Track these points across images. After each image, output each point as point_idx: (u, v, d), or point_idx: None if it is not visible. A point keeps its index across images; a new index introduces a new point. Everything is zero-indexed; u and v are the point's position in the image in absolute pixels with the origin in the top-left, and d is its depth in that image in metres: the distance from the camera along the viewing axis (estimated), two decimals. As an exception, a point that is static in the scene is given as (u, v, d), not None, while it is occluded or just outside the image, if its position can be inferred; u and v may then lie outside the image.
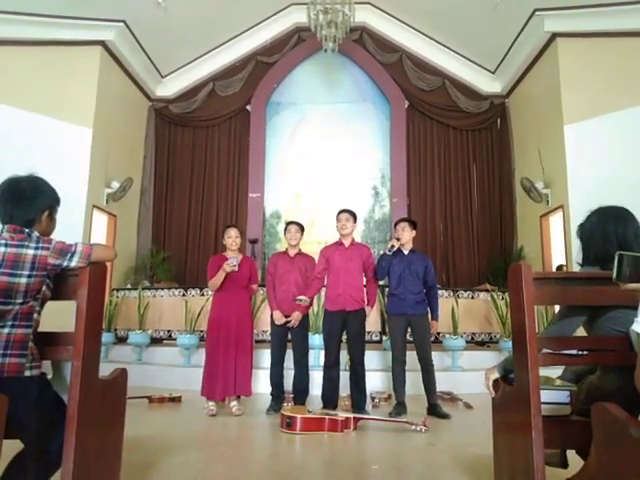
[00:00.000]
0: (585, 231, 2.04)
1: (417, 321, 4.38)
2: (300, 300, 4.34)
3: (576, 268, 2.12)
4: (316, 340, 5.34)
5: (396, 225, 4.60)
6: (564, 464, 2.08)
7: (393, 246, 4.34)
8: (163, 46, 8.56)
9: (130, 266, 8.42)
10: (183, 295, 6.42)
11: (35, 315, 1.83)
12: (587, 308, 1.94)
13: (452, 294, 6.26)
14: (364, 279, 4.44)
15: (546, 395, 1.83)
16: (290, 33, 9.44)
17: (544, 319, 5.67)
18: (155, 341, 6.43)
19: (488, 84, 9.31)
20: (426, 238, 8.83)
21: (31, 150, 6.44)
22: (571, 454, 2.09)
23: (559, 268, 6.84)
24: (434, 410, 4.24)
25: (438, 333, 5.32)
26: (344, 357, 4.75)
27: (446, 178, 9.29)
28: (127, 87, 8.58)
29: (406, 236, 4.47)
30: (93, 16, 7.30)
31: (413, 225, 4.57)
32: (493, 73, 9.21)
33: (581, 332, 2.17)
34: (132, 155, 8.82)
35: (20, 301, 1.76)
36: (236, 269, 4.20)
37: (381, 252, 6.86)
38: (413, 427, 3.64)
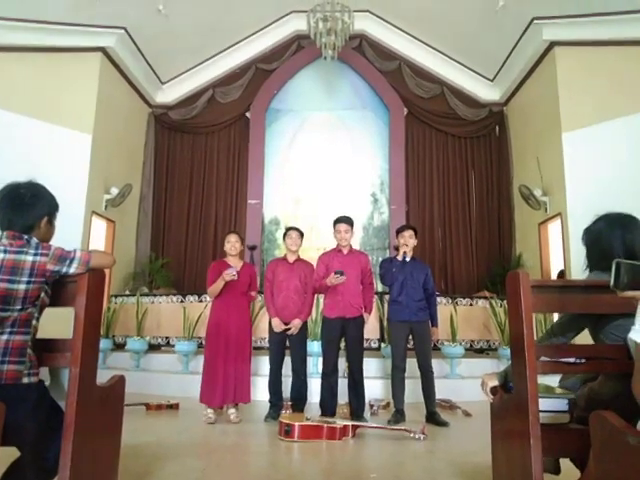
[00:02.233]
0: (591, 236, 2.03)
1: (419, 328, 4.38)
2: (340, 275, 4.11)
3: (575, 275, 2.12)
4: (314, 347, 5.33)
5: (400, 232, 4.59)
6: (557, 470, 2.08)
7: (406, 252, 4.41)
8: (163, 53, 8.60)
9: (129, 272, 8.41)
10: (181, 301, 6.41)
11: (34, 322, 1.83)
12: (590, 317, 1.94)
13: (451, 301, 6.25)
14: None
15: (545, 403, 1.83)
16: (290, 40, 9.48)
17: (542, 327, 5.65)
18: (153, 348, 6.40)
19: (486, 92, 9.35)
20: (424, 245, 8.83)
21: (30, 156, 6.45)
22: (564, 461, 2.09)
23: (560, 274, 6.81)
24: (433, 418, 4.23)
25: (437, 340, 5.32)
26: (342, 364, 4.74)
27: (445, 185, 9.31)
28: (127, 93, 8.60)
29: (412, 243, 4.49)
30: (94, 23, 7.33)
31: (416, 233, 4.60)
32: (492, 81, 9.25)
33: (580, 340, 2.17)
34: (131, 161, 8.83)
35: (19, 307, 1.76)
36: (235, 278, 4.19)
37: (380, 259, 6.88)
38: (412, 435, 3.63)
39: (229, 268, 4.21)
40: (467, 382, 5.37)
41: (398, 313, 4.42)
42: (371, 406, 4.73)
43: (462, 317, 6.02)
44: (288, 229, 4.72)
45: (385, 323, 5.34)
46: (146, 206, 9.09)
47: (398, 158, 9.14)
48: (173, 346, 6.10)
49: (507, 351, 5.26)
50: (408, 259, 4.48)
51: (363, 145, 9.34)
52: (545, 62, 7.69)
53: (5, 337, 1.75)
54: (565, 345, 1.99)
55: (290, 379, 4.49)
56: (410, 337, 4.44)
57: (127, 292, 7.48)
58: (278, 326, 4.38)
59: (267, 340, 4.73)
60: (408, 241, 4.47)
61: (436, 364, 4.70)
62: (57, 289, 1.94)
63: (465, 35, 8.47)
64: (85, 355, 1.84)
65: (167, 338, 6.31)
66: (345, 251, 4.43)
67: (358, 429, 3.81)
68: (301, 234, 4.66)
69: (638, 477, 1.30)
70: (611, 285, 1.50)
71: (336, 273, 4.10)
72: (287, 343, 4.49)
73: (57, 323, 2.42)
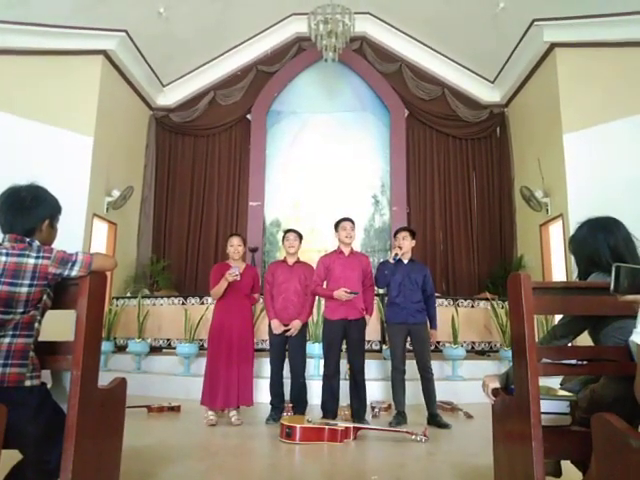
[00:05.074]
0: (577, 244, 2.05)
1: (417, 330, 4.37)
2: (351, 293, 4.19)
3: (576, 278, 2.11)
4: (316, 349, 5.32)
5: (397, 234, 4.60)
6: (558, 472, 2.08)
7: (397, 254, 4.37)
8: (164, 55, 8.62)
9: (130, 275, 8.41)
10: (183, 304, 6.41)
11: (36, 324, 1.83)
12: (590, 318, 1.94)
13: (452, 303, 6.25)
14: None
15: (546, 405, 1.82)
16: (291, 43, 9.50)
17: (544, 328, 5.65)
18: (154, 350, 6.40)
19: (487, 93, 9.36)
20: (426, 247, 8.83)
21: (32, 158, 6.47)
22: (566, 463, 2.08)
23: None
24: (434, 420, 4.22)
25: (438, 342, 5.31)
26: (344, 366, 4.73)
27: (446, 187, 9.31)
28: (128, 96, 8.62)
29: (407, 245, 4.48)
30: (95, 26, 7.35)
31: (413, 234, 4.59)
32: (492, 82, 9.25)
33: (582, 341, 2.17)
34: (133, 164, 8.85)
35: (21, 310, 1.77)
36: (238, 278, 4.19)
37: (380, 260, 6.87)
38: (413, 437, 3.63)
39: (231, 268, 4.22)
40: (468, 384, 5.36)
41: (395, 315, 4.41)
42: (372, 408, 4.72)
43: (463, 319, 6.02)
44: (286, 232, 4.73)
45: (386, 325, 5.33)
46: (147, 208, 9.10)
47: (399, 160, 9.14)
48: (174, 348, 6.10)
49: (508, 353, 5.25)
50: (406, 261, 4.49)
51: (364, 147, 9.34)
52: (546, 63, 7.69)
53: (7, 340, 1.75)
54: (567, 347, 1.99)
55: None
56: (409, 338, 4.44)
57: (128, 294, 7.49)
58: (277, 327, 4.38)
59: (268, 342, 4.73)
60: (402, 243, 4.47)
61: (437, 366, 4.69)
62: (59, 292, 1.95)
63: (465, 37, 8.48)
64: (87, 358, 1.84)
65: (168, 340, 6.31)
66: (346, 252, 4.43)
67: (359, 431, 3.81)
68: (299, 236, 4.65)
69: (640, 479, 1.30)
70: (611, 290, 1.50)
71: (351, 292, 4.14)
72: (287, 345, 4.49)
73: (59, 326, 2.42)
